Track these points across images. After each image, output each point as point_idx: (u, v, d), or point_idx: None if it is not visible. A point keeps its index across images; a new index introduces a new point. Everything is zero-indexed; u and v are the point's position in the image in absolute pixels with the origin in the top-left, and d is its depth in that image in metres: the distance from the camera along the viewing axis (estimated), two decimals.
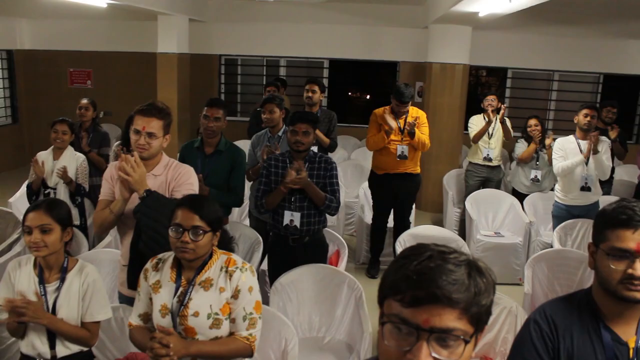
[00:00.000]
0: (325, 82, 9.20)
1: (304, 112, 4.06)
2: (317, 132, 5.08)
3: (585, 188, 4.87)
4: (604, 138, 5.02)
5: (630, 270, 1.60)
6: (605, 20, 8.27)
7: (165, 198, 2.77)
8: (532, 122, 5.99)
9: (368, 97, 11.45)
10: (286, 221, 3.76)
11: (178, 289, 2.32)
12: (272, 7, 8.79)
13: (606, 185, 5.37)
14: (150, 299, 2.37)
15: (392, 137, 5.21)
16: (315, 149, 5.03)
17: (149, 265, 2.42)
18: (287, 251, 3.81)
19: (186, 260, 2.30)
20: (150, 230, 2.64)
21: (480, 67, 9.57)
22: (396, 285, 1.02)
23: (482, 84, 10.58)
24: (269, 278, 3.95)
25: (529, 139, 5.97)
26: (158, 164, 2.98)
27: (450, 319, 0.99)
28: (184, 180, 2.97)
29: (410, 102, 5.23)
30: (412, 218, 5.66)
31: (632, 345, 1.66)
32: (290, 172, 3.60)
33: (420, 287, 0.99)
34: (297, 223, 3.74)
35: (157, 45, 8.34)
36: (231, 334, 2.32)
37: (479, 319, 1.03)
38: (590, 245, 1.75)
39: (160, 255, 2.45)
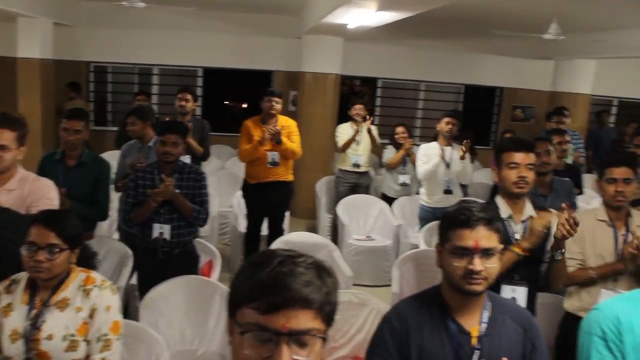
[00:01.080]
0: (200, 91, 9.10)
1: (172, 122, 3.98)
2: (191, 140, 5.01)
3: (448, 191, 5.18)
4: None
5: (470, 266, 1.73)
6: (467, 36, 8.91)
7: (20, 215, 2.61)
8: (399, 129, 6.30)
9: (245, 105, 11.44)
10: (155, 234, 3.67)
11: (31, 310, 2.18)
12: (144, 13, 8.51)
13: (463, 189, 5.74)
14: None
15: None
16: (188, 158, 4.96)
17: (0, 287, 2.26)
18: (157, 264, 3.72)
19: (41, 280, 2.18)
20: (5, 251, 2.47)
21: (351, 77, 9.91)
22: (251, 294, 1.03)
23: (356, 93, 10.95)
24: (138, 292, 3.83)
25: (397, 145, 6.26)
26: (12, 178, 2.81)
27: (307, 320, 1.03)
28: (42, 194, 2.82)
29: (281, 97, 5.28)
30: (286, 225, 5.73)
31: (474, 334, 1.79)
32: (162, 185, 3.55)
33: (275, 292, 1.01)
34: (166, 235, 3.67)
35: (16, 49, 7.80)
36: (87, 357, 2.21)
37: (330, 316, 1.08)
38: (438, 246, 1.89)
39: (14, 276, 2.29)
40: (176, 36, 8.85)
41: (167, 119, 5.22)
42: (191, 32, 8.83)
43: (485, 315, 1.83)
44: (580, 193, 4.84)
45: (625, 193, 2.88)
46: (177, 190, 3.62)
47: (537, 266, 2.76)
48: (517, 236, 2.70)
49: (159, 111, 8.42)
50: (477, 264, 1.73)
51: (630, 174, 2.91)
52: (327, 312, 1.06)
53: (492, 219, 1.78)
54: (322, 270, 1.08)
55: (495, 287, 2.60)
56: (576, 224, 2.45)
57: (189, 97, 5.46)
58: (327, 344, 1.08)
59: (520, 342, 1.83)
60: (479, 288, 1.75)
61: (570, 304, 3.01)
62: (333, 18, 6.03)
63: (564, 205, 2.54)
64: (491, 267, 1.75)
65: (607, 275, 2.84)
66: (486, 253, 1.75)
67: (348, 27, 6.59)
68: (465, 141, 5.09)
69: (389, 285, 5.45)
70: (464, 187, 5.67)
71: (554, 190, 4.02)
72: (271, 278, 1.03)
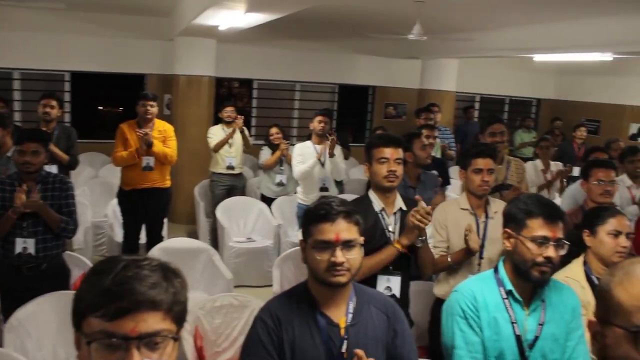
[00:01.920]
0: (67, 96, 8.62)
1: (31, 130, 3.77)
2: (54, 149, 4.76)
3: (324, 189, 5.32)
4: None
5: (332, 259, 1.79)
6: (339, 38, 9.16)
7: None
8: (273, 130, 6.37)
9: (121, 109, 10.97)
10: (19, 249, 3.45)
11: None
12: (2, 12, 7.91)
13: (339, 185, 5.92)
14: None
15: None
16: (55, 168, 4.71)
17: None
18: (23, 282, 3.50)
19: None
20: None
21: (226, 78, 9.85)
22: (96, 302, 1.01)
23: (234, 95, 10.90)
24: (2, 315, 3.57)
25: (272, 146, 6.31)
26: None
27: (156, 322, 1.03)
28: None
29: (155, 101, 5.18)
30: (165, 232, 5.60)
31: (342, 325, 1.86)
32: (19, 196, 3.33)
33: (122, 297, 1.00)
34: (31, 250, 3.46)
35: None
36: None
37: (180, 316, 1.09)
38: (301, 242, 1.94)
39: None
40: (40, 38, 8.28)
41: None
42: (57, 33, 8.30)
43: (351, 306, 1.90)
44: (446, 184, 5.16)
45: (489, 182, 3.11)
46: (42, 201, 3.44)
47: (410, 256, 2.90)
48: (391, 228, 2.83)
49: (22, 119, 7.91)
50: (339, 256, 1.79)
51: (492, 165, 3.14)
52: (176, 313, 1.07)
53: (351, 212, 1.86)
54: (168, 271, 1.09)
55: (372, 277, 2.74)
56: (428, 213, 2.61)
57: (53, 103, 5.19)
58: (178, 345, 1.08)
59: (385, 328, 1.92)
60: (343, 279, 1.82)
61: (439, 289, 3.21)
62: (203, 20, 5.97)
63: (417, 197, 2.70)
64: (353, 258, 1.82)
65: (460, 260, 3.04)
66: (347, 245, 1.82)
67: (220, 28, 6.55)
68: (331, 138, 5.24)
69: (271, 285, 5.51)
70: (339, 183, 5.83)
71: (421, 182, 4.25)
72: (116, 283, 1.02)
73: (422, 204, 2.64)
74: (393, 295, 2.81)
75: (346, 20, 7.09)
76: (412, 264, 2.93)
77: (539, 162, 6.17)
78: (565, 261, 2.74)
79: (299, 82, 9.90)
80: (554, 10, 5.60)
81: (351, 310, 1.89)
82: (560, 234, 2.07)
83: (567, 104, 11.09)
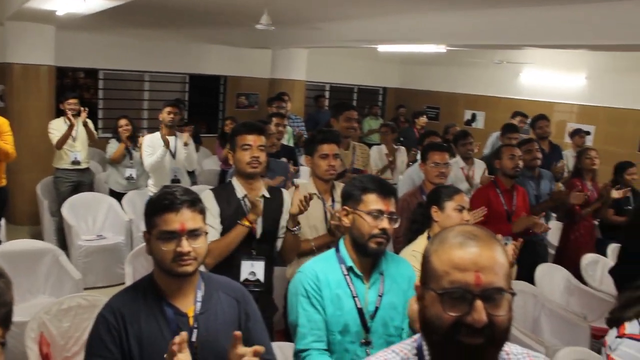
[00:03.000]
0: None
1: None
2: None
3: (175, 180, 5.22)
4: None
5: (178, 249, 1.78)
6: (189, 27, 8.94)
7: None
8: (122, 122, 6.11)
9: None
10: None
11: None
12: None
13: (192, 176, 5.85)
14: None
15: None
16: None
17: None
18: None
19: None
20: None
21: (70, 68, 9.28)
22: None
23: (80, 86, 10.28)
24: None
25: (120, 139, 6.06)
26: None
27: None
28: None
29: None
30: (2, 235, 5.18)
31: (191, 314, 1.86)
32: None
33: None
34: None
35: None
36: None
37: (6, 318, 1.05)
38: (145, 234, 1.90)
39: None
40: None
41: None
42: None
43: (199, 294, 1.90)
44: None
45: (335, 167, 3.24)
46: None
47: (273, 242, 2.99)
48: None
49: None
50: (185, 245, 1.78)
51: (338, 150, 3.29)
52: (2, 314, 1.02)
53: (195, 201, 1.86)
54: None
55: (235, 262, 2.81)
56: (307, 199, 2.77)
57: None
58: None
59: (235, 313, 1.94)
60: (189, 269, 1.81)
61: (290, 272, 3.30)
62: (37, 3, 5.55)
63: (296, 184, 2.79)
64: (199, 247, 1.83)
65: (323, 246, 3.15)
66: (192, 234, 1.81)
67: (58, 14, 6.13)
68: (186, 128, 5.19)
69: (124, 284, 5.33)
70: (192, 174, 5.76)
71: (270, 170, 4.33)
72: None
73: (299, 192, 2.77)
74: (257, 280, 2.87)
75: (193, 8, 6.95)
76: (275, 249, 3.03)
77: (383, 147, 6.53)
78: (412, 238, 2.97)
79: (147, 72, 9.58)
80: (396, 3, 5.91)
81: (199, 298, 1.89)
82: (392, 208, 2.24)
83: (410, 92, 11.82)
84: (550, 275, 4.60)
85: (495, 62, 9.42)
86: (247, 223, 2.80)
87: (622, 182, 5.15)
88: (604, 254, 5.03)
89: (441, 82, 11.10)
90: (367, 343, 2.19)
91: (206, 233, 1.88)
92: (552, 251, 5.36)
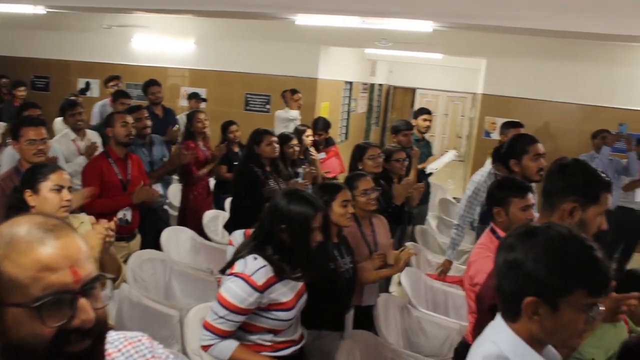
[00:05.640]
0: None
1: None
2: None
3: None
4: None
5: None
6: None
7: None
8: None
9: None
10: None
11: None
12: None
13: None
14: None
15: None
16: None
17: None
18: None
19: None
20: None
21: None
22: None
23: None
24: None
25: None
26: None
27: None
28: None
29: None
30: None
31: None
32: None
33: None
34: None
35: None
36: None
37: None
38: None
39: None
40: None
41: None
42: None
43: None
44: None
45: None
46: None
47: None
48: None
49: None
50: None
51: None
52: None
53: None
54: None
55: None
56: None
57: None
58: None
59: None
60: None
61: None
62: None
63: None
64: None
65: None
66: None
67: None
68: None
69: None
70: None
71: None
72: None
73: None
74: None
75: None
76: None
77: None
78: None
79: None
80: None
81: None
82: None
83: (12, 60, 10.43)
84: (176, 238, 4.67)
85: (104, 27, 9.06)
86: None
87: (227, 139, 5.51)
88: (222, 208, 5.37)
89: (49, 48, 10.14)
90: None
91: None
92: (175, 213, 5.48)
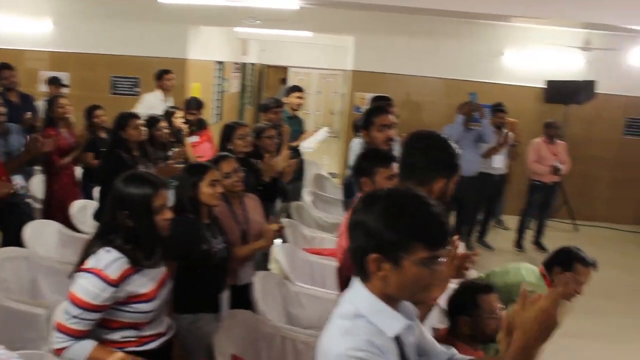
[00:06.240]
0: None
1: None
2: None
3: None
4: None
5: None
6: None
7: None
8: None
9: None
10: None
11: None
12: None
13: None
14: None
15: None
16: None
17: None
18: None
19: None
20: None
21: None
22: None
23: None
24: None
25: None
26: None
27: None
28: None
29: None
30: None
31: None
32: None
33: None
34: None
35: None
36: None
37: None
38: None
39: None
40: None
41: None
42: None
43: None
44: None
45: None
46: None
47: None
48: None
49: None
50: None
51: None
52: None
53: None
54: None
55: None
56: None
57: None
58: None
59: None
60: None
61: None
62: None
63: None
64: None
65: None
66: None
67: None
68: None
69: None
70: None
71: None
72: None
73: None
74: None
75: None
76: None
77: None
78: None
79: None
80: None
81: None
82: None
83: None
84: (41, 232, 4.39)
85: None
86: None
87: (92, 124, 5.25)
88: (91, 197, 5.11)
89: None
90: None
91: None
92: (39, 206, 5.14)
